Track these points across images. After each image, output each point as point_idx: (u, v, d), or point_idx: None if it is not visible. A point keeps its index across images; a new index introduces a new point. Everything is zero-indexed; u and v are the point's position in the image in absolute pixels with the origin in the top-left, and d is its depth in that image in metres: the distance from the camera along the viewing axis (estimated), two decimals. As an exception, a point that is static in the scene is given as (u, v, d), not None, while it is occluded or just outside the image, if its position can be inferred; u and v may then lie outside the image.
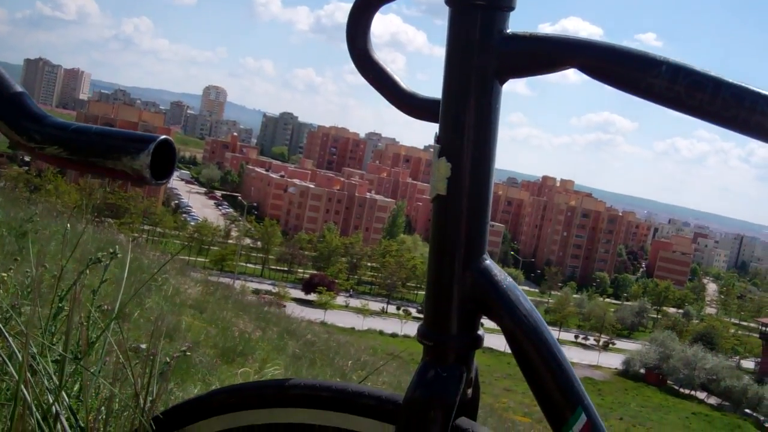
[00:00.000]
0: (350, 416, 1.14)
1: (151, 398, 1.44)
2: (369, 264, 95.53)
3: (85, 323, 1.86)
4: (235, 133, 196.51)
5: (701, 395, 71.70)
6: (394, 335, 70.24)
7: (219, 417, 1.23)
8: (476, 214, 1.06)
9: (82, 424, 1.54)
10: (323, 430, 1.17)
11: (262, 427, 1.21)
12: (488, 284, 1.07)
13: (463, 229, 1.06)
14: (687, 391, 72.83)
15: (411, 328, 69.40)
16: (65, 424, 1.43)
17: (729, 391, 68.55)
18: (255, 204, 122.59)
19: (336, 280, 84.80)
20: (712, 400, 70.50)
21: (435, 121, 1.07)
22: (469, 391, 1.13)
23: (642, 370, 75.43)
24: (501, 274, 1.08)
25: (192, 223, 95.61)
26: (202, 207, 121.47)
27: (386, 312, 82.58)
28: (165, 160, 0.93)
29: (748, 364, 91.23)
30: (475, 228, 1.06)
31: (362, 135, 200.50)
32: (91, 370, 1.75)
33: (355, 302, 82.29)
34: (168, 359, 1.80)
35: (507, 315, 1.06)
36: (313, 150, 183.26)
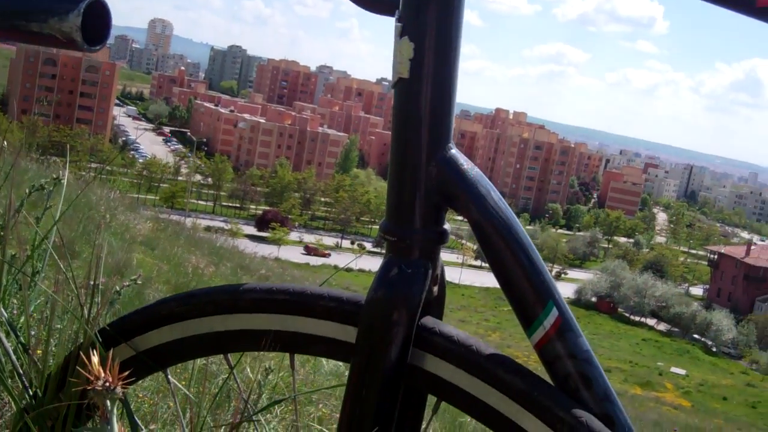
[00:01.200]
0: (309, 320, 1.10)
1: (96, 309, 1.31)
2: (322, 199, 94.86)
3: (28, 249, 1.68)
4: (183, 68, 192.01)
5: (651, 322, 73.03)
6: (348, 269, 70.01)
7: (170, 326, 1.17)
8: (440, 98, 1.01)
9: (23, 340, 1.40)
10: (281, 336, 1.12)
11: (215, 336, 1.16)
12: (454, 175, 1.03)
13: (426, 116, 1.01)
14: (637, 318, 74.23)
15: (366, 263, 69.38)
16: (4, 339, 1.31)
17: (678, 318, 69.85)
18: (205, 140, 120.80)
19: (289, 216, 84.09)
20: (662, 327, 71.85)
21: (392, 14, 1.02)
22: (435, 288, 1.10)
23: (593, 299, 76.65)
24: (467, 164, 1.04)
25: (140, 161, 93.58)
26: (150, 144, 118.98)
27: (340, 247, 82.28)
28: (99, 23, 0.87)
29: (697, 290, 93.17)
30: (439, 114, 1.02)
31: (313, 68, 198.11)
32: (30, 276, 1.67)
33: (309, 237, 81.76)
34: (117, 289, 1.50)
35: (474, 207, 1.02)
36: (263, 84, 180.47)
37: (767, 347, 64.27)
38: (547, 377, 1.04)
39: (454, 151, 1.04)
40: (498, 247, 1.02)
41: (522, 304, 1.03)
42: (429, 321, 1.05)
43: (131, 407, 1.24)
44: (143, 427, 1.46)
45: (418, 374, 1.05)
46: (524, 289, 1.02)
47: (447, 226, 1.06)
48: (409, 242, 1.04)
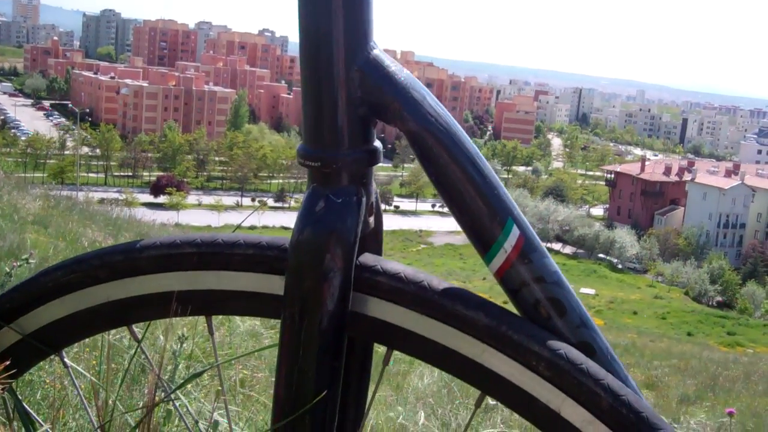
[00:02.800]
0: (225, 274, 0.98)
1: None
2: (217, 159, 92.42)
3: None
4: (56, 38, 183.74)
5: (557, 246, 73.72)
6: (252, 227, 68.46)
7: (59, 300, 1.02)
8: None
9: None
10: (194, 296, 1.00)
11: (114, 305, 1.02)
12: (380, 80, 0.91)
13: (340, 10, 0.88)
14: (543, 244, 74.28)
15: (269, 219, 68.06)
16: None
17: (582, 239, 70.88)
18: (87, 110, 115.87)
19: (185, 179, 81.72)
20: (568, 250, 72.78)
21: None
22: (371, 219, 0.99)
23: (498, 230, 76.44)
24: (395, 65, 0.92)
25: (23, 138, 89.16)
26: (31, 120, 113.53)
27: (241, 205, 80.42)
28: None
29: (597, 211, 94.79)
30: (356, 7, 0.89)
31: (192, 26, 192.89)
32: None
33: (207, 199, 79.58)
34: (8, 270, 1.50)
35: (409, 116, 0.91)
36: (142, 47, 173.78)
37: (670, 259, 65.76)
38: (513, 310, 0.96)
39: (378, 51, 0.91)
40: (442, 161, 0.91)
41: (477, 227, 0.93)
42: (369, 259, 0.95)
43: (35, 397, 1.14)
44: (41, 423, 1.18)
45: (363, 322, 0.95)
46: (477, 208, 0.92)
47: (378, 143, 0.94)
48: (336, 166, 0.91)
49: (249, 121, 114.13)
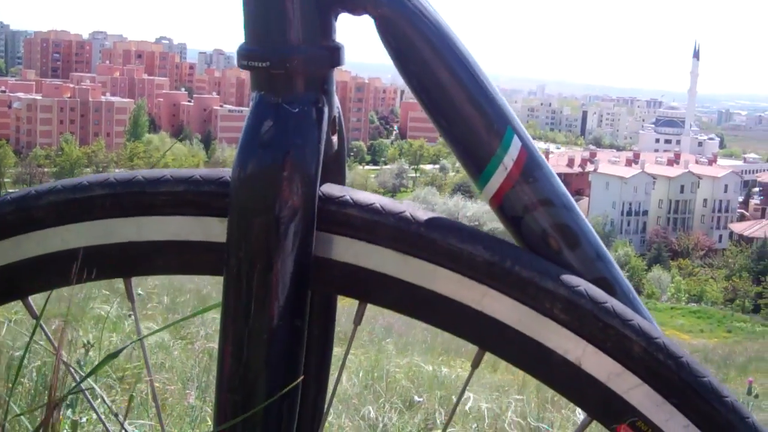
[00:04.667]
0: (147, 220, 0.81)
1: None
2: (117, 170, 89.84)
3: None
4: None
5: (467, 242, 73.82)
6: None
7: None
8: None
9: None
10: (108, 253, 0.83)
11: (5, 273, 0.84)
12: None
13: None
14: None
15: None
16: None
17: (492, 233, 70.68)
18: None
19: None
20: (478, 245, 72.77)
21: None
22: (334, 139, 0.84)
23: (409, 229, 76.35)
24: None
25: None
26: None
27: (143, 217, 78.47)
28: None
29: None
30: None
31: (86, 36, 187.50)
32: None
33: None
34: None
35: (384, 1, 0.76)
36: (34, 58, 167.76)
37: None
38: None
39: None
40: (424, 57, 0.76)
41: (469, 140, 0.80)
42: (334, 189, 0.79)
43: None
44: None
45: (329, 270, 0.79)
46: (469, 116, 0.78)
47: (340, 43, 0.79)
48: (290, 66, 0.75)
49: (149, 130, 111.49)
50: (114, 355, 0.80)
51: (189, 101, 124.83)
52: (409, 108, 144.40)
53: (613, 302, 0.75)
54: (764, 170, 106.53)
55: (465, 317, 0.76)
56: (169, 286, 7.61)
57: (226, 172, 0.78)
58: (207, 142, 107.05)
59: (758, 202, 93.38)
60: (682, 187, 77.20)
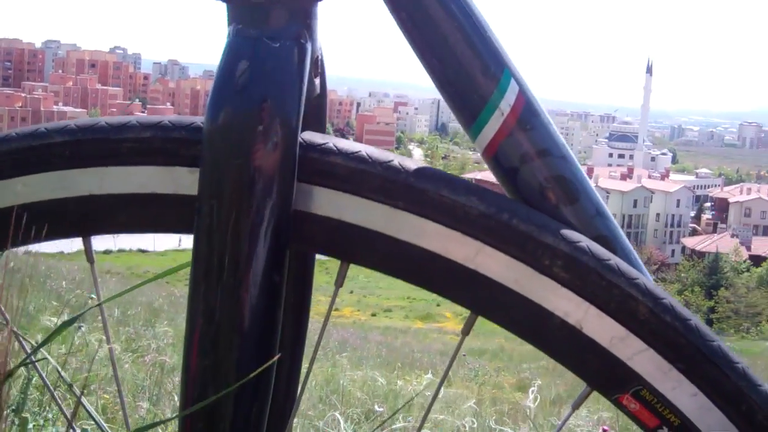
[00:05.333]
0: (110, 171, 0.75)
1: None
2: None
3: None
4: None
5: (423, 255, 74.02)
6: (107, 251, 65.72)
7: None
8: None
9: None
10: (66, 207, 0.77)
11: None
12: None
13: None
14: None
15: (124, 242, 65.75)
16: None
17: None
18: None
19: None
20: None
21: None
22: (316, 82, 0.79)
23: (365, 242, 76.42)
24: None
25: None
26: None
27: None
28: None
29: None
30: None
31: (38, 44, 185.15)
32: None
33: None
34: None
35: None
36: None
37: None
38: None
39: None
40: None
41: (463, 84, 0.75)
42: (315, 137, 0.74)
43: None
44: None
45: (309, 226, 0.74)
46: (464, 57, 0.74)
47: None
48: None
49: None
50: (70, 323, 0.72)
51: (143, 112, 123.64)
52: (364, 120, 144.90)
53: (616, 260, 0.70)
54: (716, 185, 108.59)
55: (456, 277, 0.71)
56: (120, 299, 7.49)
57: (199, 118, 0.73)
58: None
59: (710, 216, 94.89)
60: (635, 201, 78.06)
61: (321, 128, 0.82)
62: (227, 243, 0.67)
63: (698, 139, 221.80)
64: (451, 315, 52.64)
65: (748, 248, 65.78)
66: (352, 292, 51.65)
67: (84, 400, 0.66)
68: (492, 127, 0.74)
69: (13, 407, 1.84)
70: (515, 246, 0.70)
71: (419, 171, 0.71)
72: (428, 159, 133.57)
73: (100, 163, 0.74)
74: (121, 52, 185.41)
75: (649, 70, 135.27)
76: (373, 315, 45.66)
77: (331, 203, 0.72)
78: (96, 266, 0.82)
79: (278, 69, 0.67)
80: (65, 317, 4.56)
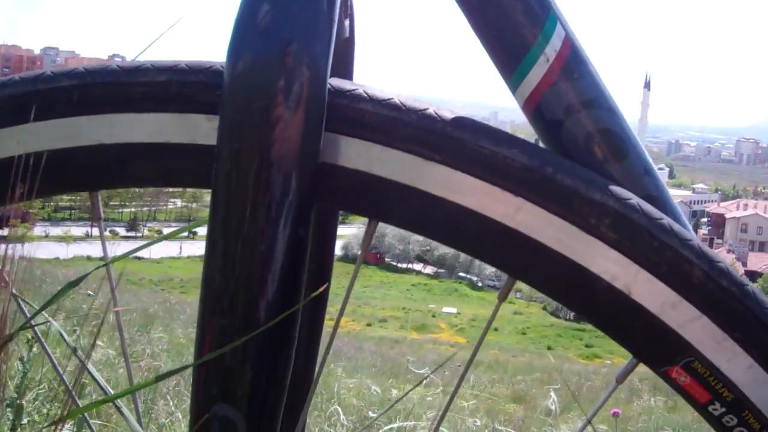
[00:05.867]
0: (121, 118, 0.70)
1: None
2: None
3: None
4: None
5: (418, 267, 74.27)
6: (102, 259, 65.53)
7: None
8: None
9: None
10: (73, 158, 0.72)
11: None
12: None
13: None
14: (404, 265, 75.19)
15: (120, 249, 65.51)
16: None
17: (442, 259, 71.49)
18: None
19: (30, 210, 77.59)
20: (429, 270, 73.33)
21: None
22: (346, 24, 0.78)
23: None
24: None
25: None
26: None
27: (91, 236, 77.21)
28: None
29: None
30: None
31: (37, 51, 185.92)
32: None
33: (55, 230, 75.94)
34: None
35: None
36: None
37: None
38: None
39: None
40: None
41: (504, 27, 0.70)
42: (344, 84, 0.69)
43: None
44: None
45: (336, 179, 0.69)
46: (513, 9, 0.69)
47: None
48: None
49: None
50: (75, 284, 0.67)
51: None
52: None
53: (669, 220, 0.65)
54: (712, 201, 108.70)
55: (494, 236, 0.66)
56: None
57: (218, 62, 0.68)
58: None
59: (706, 232, 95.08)
60: (631, 215, 78.26)
61: (349, 74, 0.79)
62: (248, 194, 0.63)
63: (695, 155, 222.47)
64: (445, 326, 52.65)
65: (744, 264, 65.94)
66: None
67: (90, 365, 0.67)
68: (536, 75, 0.69)
69: (15, 390, 1.83)
70: (560, 203, 0.65)
71: (457, 120, 0.66)
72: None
73: (111, 109, 0.69)
74: (120, 59, 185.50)
75: (646, 85, 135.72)
76: (368, 325, 45.66)
77: (361, 155, 0.67)
78: (102, 224, 0.78)
79: (305, 9, 0.63)
80: (60, 319, 4.54)
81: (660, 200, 0.71)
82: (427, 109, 0.67)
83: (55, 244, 70.61)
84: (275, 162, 0.62)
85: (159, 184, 0.72)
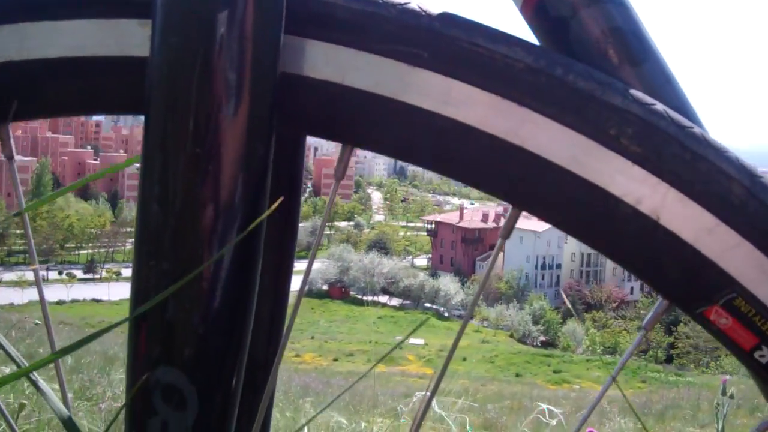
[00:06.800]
0: (33, 27, 0.58)
1: None
2: (18, 231, 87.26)
3: None
4: None
5: (383, 299, 74.02)
6: (60, 302, 64.56)
7: None
8: None
9: None
10: None
11: None
12: None
13: None
14: (370, 298, 74.87)
15: (77, 292, 64.70)
16: None
17: (408, 290, 71.46)
18: None
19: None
20: (395, 302, 73.11)
21: None
22: None
23: (325, 287, 76.41)
24: None
25: None
26: None
27: (47, 279, 76.12)
28: None
29: (421, 261, 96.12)
30: None
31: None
32: None
33: (9, 275, 74.65)
34: None
35: None
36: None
37: (494, 303, 67.16)
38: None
39: None
40: None
41: None
42: None
43: None
44: None
45: (302, 93, 0.59)
46: None
47: None
48: None
49: (53, 189, 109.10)
50: (99, 334, 0.53)
51: (95, 159, 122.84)
52: (322, 165, 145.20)
53: (699, 129, 0.55)
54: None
55: (494, 156, 0.56)
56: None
57: None
58: (114, 201, 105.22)
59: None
60: (593, 240, 78.93)
61: None
62: (190, 115, 0.53)
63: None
64: (413, 357, 52.50)
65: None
66: (312, 337, 51.26)
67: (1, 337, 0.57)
68: None
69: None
70: (572, 111, 0.55)
71: (446, 16, 0.56)
72: (388, 202, 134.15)
73: (19, 17, 0.58)
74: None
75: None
76: (335, 360, 45.29)
77: (330, 62, 0.57)
78: (15, 164, 0.65)
79: None
80: (11, 368, 4.38)
81: (683, 112, 0.60)
82: (409, 3, 0.57)
83: (10, 289, 69.55)
84: (222, 72, 0.53)
85: (83, 111, 0.62)
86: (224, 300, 0.54)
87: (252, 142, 0.54)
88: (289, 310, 0.67)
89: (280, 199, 0.53)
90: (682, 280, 0.55)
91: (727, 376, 3.77)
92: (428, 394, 0.62)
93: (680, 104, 0.61)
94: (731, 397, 3.46)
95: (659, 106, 0.55)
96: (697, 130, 0.55)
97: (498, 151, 0.56)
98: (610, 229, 0.56)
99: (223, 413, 0.56)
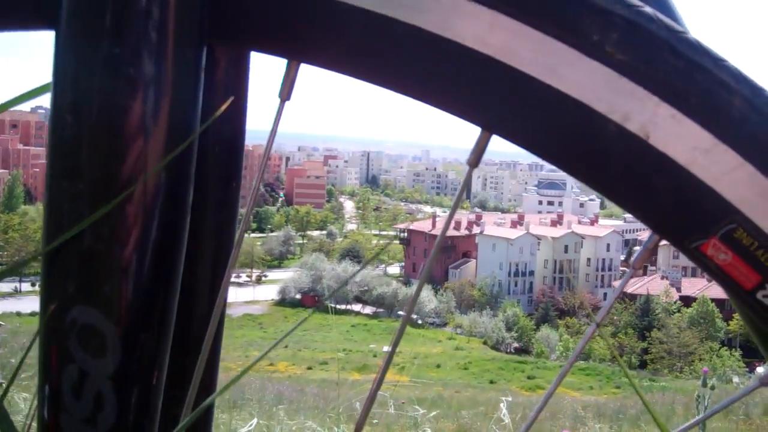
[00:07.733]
0: None
1: None
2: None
3: None
4: None
5: (357, 307, 73.93)
6: (33, 314, 63.89)
7: None
8: None
9: None
10: None
11: None
12: None
13: None
14: (343, 307, 74.72)
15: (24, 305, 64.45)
16: None
17: (381, 298, 71.34)
18: None
19: (-46, 269, 75.78)
20: (368, 310, 72.99)
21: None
22: None
23: (298, 296, 76.26)
24: None
25: None
26: None
27: (20, 291, 75.31)
28: None
29: (394, 269, 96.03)
30: None
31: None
32: None
33: (-18, 288, 73.87)
34: None
35: None
36: None
37: (467, 310, 67.20)
38: None
39: None
40: None
41: None
42: None
43: None
44: None
45: (237, 3, 0.51)
46: None
47: None
48: None
49: (25, 201, 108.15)
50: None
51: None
52: (294, 174, 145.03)
53: (693, 36, 0.48)
54: (644, 229, 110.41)
55: (461, 70, 0.48)
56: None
57: None
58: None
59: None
60: (566, 247, 79.24)
61: None
62: (106, 9, 0.46)
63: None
64: (387, 366, 52.41)
65: (678, 289, 67.07)
66: (286, 346, 50.91)
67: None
68: None
69: None
70: (548, 15, 0.47)
71: None
72: (360, 211, 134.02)
73: None
74: (44, 111, 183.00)
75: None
76: (309, 368, 45.02)
77: None
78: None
79: None
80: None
81: (673, 19, 0.52)
82: None
83: (-18, 302, 68.73)
84: None
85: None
86: (151, 228, 0.48)
87: (180, 47, 0.48)
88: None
89: (231, 99, 0.49)
90: (674, 209, 0.49)
91: (706, 368, 3.75)
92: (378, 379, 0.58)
93: (668, 12, 0.55)
94: (712, 388, 3.43)
95: (648, 9, 0.47)
96: (690, 35, 0.47)
97: (465, 63, 0.48)
98: (592, 152, 0.49)
99: (150, 363, 0.50)
